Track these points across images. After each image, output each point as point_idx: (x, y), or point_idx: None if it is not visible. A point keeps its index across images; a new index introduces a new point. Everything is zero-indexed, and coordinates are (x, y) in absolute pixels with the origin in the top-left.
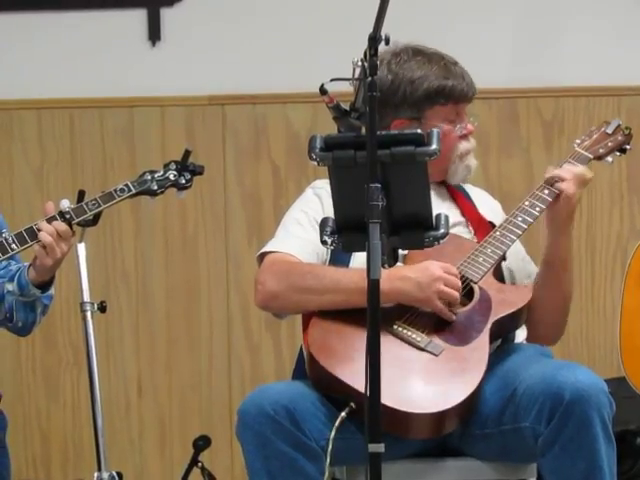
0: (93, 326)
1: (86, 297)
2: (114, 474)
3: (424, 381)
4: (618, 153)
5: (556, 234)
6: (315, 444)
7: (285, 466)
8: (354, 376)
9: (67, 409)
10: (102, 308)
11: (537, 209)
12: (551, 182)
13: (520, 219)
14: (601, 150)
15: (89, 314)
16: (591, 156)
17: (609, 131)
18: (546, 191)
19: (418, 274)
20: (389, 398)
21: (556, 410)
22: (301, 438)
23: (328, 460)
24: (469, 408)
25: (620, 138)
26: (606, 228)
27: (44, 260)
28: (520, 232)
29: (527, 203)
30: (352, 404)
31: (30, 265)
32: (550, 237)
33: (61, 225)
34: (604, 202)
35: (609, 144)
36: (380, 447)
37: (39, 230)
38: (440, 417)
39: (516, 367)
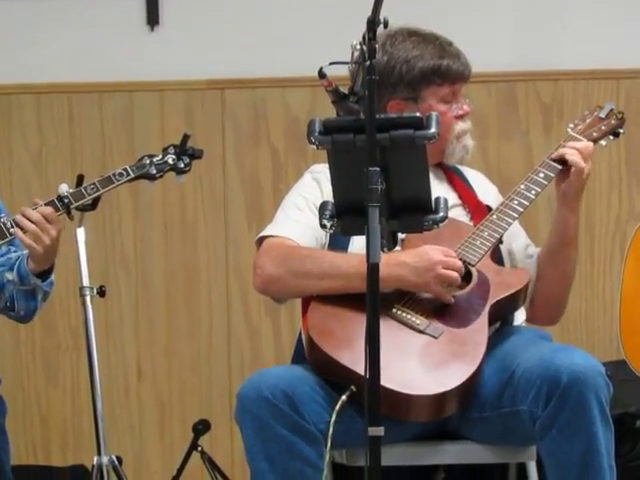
0: (92, 310)
1: (85, 282)
2: (114, 458)
3: (424, 364)
4: (612, 137)
5: (566, 210)
6: (314, 428)
7: (284, 450)
8: (354, 360)
9: (67, 394)
10: (101, 292)
11: (533, 192)
12: (561, 159)
13: (516, 202)
14: (595, 134)
15: (88, 299)
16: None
17: (602, 115)
18: (541, 174)
19: (416, 259)
20: (389, 381)
21: (553, 393)
22: (300, 422)
23: (329, 444)
24: (469, 390)
25: (613, 122)
26: (605, 211)
27: (33, 249)
28: (516, 215)
29: (523, 186)
30: (352, 387)
31: (29, 255)
32: (560, 213)
33: (46, 209)
34: (603, 185)
35: (602, 128)
36: (380, 430)
37: (22, 217)
38: (440, 399)
39: (514, 350)
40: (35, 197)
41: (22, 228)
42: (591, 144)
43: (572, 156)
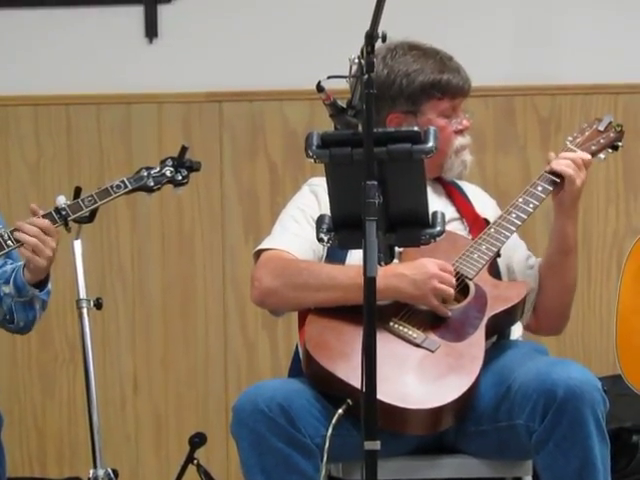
0: (89, 323)
1: (82, 294)
2: (109, 471)
3: (421, 377)
4: (610, 150)
5: (563, 219)
6: (310, 441)
7: (280, 463)
8: (350, 373)
9: (63, 406)
10: (98, 305)
11: (531, 205)
12: (553, 171)
13: (514, 215)
14: (593, 147)
15: (85, 311)
16: None
17: (601, 128)
18: (539, 188)
19: (414, 271)
20: (386, 394)
21: (550, 407)
22: (296, 435)
23: (325, 457)
24: (466, 404)
25: (612, 135)
26: (602, 226)
27: (35, 261)
28: (514, 229)
29: (521, 200)
30: (349, 401)
31: (24, 266)
32: (557, 223)
33: (43, 222)
34: (600, 200)
35: (601, 141)
36: (376, 444)
37: (19, 232)
38: (437, 413)
39: (511, 364)
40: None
41: (22, 242)
42: (586, 154)
43: (559, 165)
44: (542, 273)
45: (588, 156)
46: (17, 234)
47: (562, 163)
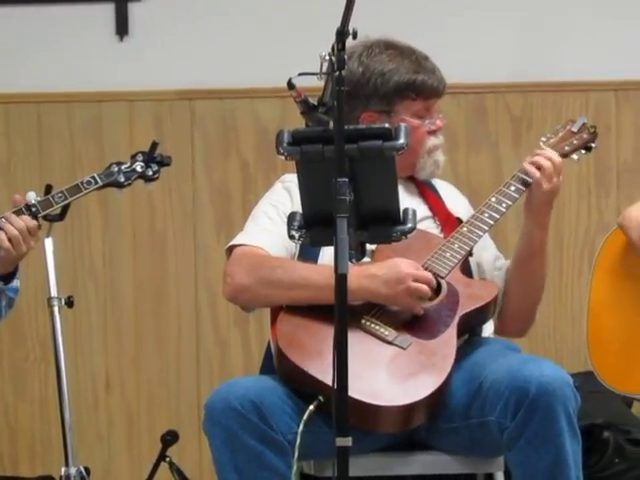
0: (60, 321)
1: (53, 292)
2: (82, 469)
3: (392, 374)
4: (584, 151)
5: (532, 224)
6: (282, 438)
7: (252, 460)
8: (322, 370)
9: (35, 405)
10: (69, 303)
11: (504, 205)
12: (525, 171)
13: (487, 215)
14: (567, 148)
15: (56, 309)
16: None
17: (575, 129)
18: (512, 187)
19: (386, 271)
20: (358, 391)
21: (521, 404)
22: (268, 432)
23: (297, 454)
24: (437, 401)
25: (585, 136)
26: (574, 223)
27: (9, 253)
28: (487, 228)
29: (494, 199)
30: (320, 397)
31: None
32: (525, 226)
33: (31, 222)
34: (572, 197)
35: (574, 142)
36: (348, 441)
37: (7, 221)
38: (409, 410)
39: (483, 361)
40: (3, 207)
41: (4, 231)
42: (559, 159)
43: (529, 167)
44: (509, 276)
45: (558, 160)
46: (2, 222)
47: (532, 165)
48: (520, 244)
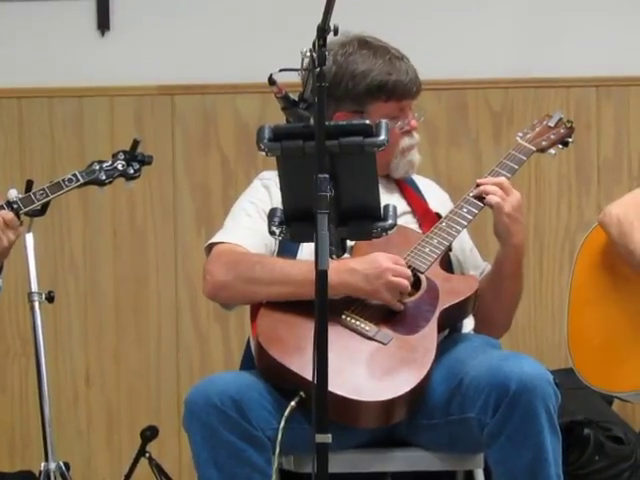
0: (41, 316)
1: (34, 287)
2: (61, 464)
3: (373, 370)
4: (561, 146)
5: (502, 244)
6: (262, 434)
7: (232, 456)
8: (303, 366)
9: (15, 400)
10: (50, 298)
11: (483, 200)
12: (479, 197)
13: (465, 210)
14: (544, 143)
15: (37, 304)
16: (534, 148)
17: (551, 124)
18: None
19: (366, 266)
20: (338, 387)
21: (502, 401)
22: (247, 428)
23: (277, 450)
24: (418, 396)
25: (562, 131)
26: (554, 220)
27: None
28: (465, 223)
29: (472, 194)
30: (301, 393)
31: None
32: (500, 252)
33: (7, 214)
34: (552, 194)
35: (551, 137)
36: (327, 437)
37: None
38: (389, 405)
39: (463, 357)
40: None
41: None
42: (505, 181)
43: (487, 197)
44: (483, 286)
45: (503, 179)
46: None
47: (487, 190)
48: (494, 264)
